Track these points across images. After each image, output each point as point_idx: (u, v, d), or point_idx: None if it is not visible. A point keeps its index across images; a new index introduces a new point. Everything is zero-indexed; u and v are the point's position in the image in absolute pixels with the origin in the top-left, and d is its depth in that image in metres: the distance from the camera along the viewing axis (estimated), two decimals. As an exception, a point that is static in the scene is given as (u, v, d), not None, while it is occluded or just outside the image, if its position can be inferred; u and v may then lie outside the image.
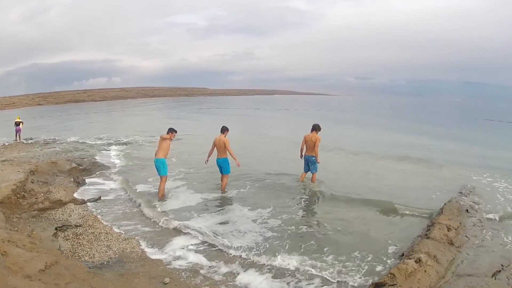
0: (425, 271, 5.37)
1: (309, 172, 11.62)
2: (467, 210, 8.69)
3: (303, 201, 10.16)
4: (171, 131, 10.18)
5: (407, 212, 8.94)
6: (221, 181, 11.08)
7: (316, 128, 11.29)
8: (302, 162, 11.82)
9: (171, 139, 10.23)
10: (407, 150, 18.43)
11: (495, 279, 5.34)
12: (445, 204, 8.81)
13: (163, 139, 10.01)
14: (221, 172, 11.02)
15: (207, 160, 11.09)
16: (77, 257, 6.38)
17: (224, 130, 10.81)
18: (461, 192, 10.56)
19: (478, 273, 5.52)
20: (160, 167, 9.99)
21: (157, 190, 10.33)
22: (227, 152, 10.66)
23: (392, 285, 4.94)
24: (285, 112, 53.47)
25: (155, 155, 10.16)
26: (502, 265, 5.80)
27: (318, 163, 11.38)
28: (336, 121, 34.60)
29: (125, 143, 20.04)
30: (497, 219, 8.56)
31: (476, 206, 9.32)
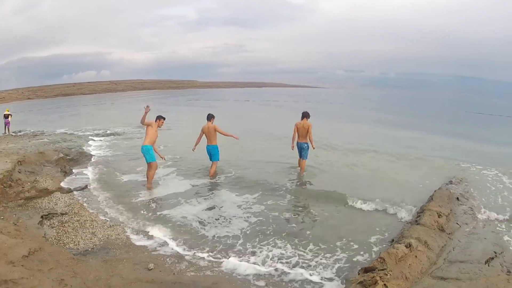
0: (416, 256, 5.28)
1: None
2: (457, 198, 8.60)
3: (290, 189, 10.16)
4: (159, 118, 10.09)
5: (392, 205, 8.65)
6: (210, 168, 11.20)
7: (306, 115, 11.40)
8: (290, 152, 12.09)
9: (159, 127, 10.14)
10: (392, 144, 18.26)
11: (489, 265, 5.23)
12: (435, 191, 8.79)
13: (150, 126, 9.89)
14: (211, 159, 11.15)
15: (194, 148, 11.27)
16: (62, 244, 6.37)
17: (210, 117, 10.99)
18: (451, 181, 10.41)
19: (471, 259, 5.41)
20: (146, 154, 9.89)
21: (145, 178, 10.28)
22: (216, 136, 10.89)
23: (382, 269, 4.84)
24: (274, 104, 53.44)
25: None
26: (495, 252, 5.69)
27: (314, 148, 11.50)
28: (325, 115, 34.34)
29: (113, 134, 19.97)
30: (489, 208, 8.50)
31: (467, 195, 9.26)
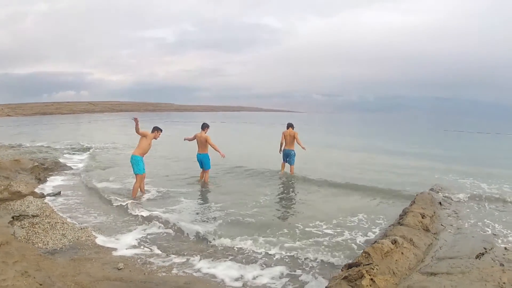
0: (402, 253, 5.04)
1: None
2: (440, 203, 8.50)
3: (272, 190, 10.97)
4: (156, 129, 9.70)
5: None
6: (203, 176, 11.57)
7: (290, 125, 12.68)
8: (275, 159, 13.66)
9: (155, 138, 9.74)
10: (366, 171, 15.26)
11: (480, 260, 4.99)
12: (417, 195, 8.66)
13: (144, 137, 9.49)
14: (201, 167, 11.41)
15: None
16: (31, 244, 6.06)
17: (204, 127, 11.21)
18: (432, 189, 10.21)
19: (460, 255, 5.16)
20: (134, 164, 9.49)
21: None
22: (209, 147, 11.11)
23: (368, 264, 4.59)
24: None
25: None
26: (485, 248, 5.44)
27: (304, 149, 12.64)
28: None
29: (89, 148, 19.90)
30: (474, 212, 8.60)
31: (449, 200, 9.24)
